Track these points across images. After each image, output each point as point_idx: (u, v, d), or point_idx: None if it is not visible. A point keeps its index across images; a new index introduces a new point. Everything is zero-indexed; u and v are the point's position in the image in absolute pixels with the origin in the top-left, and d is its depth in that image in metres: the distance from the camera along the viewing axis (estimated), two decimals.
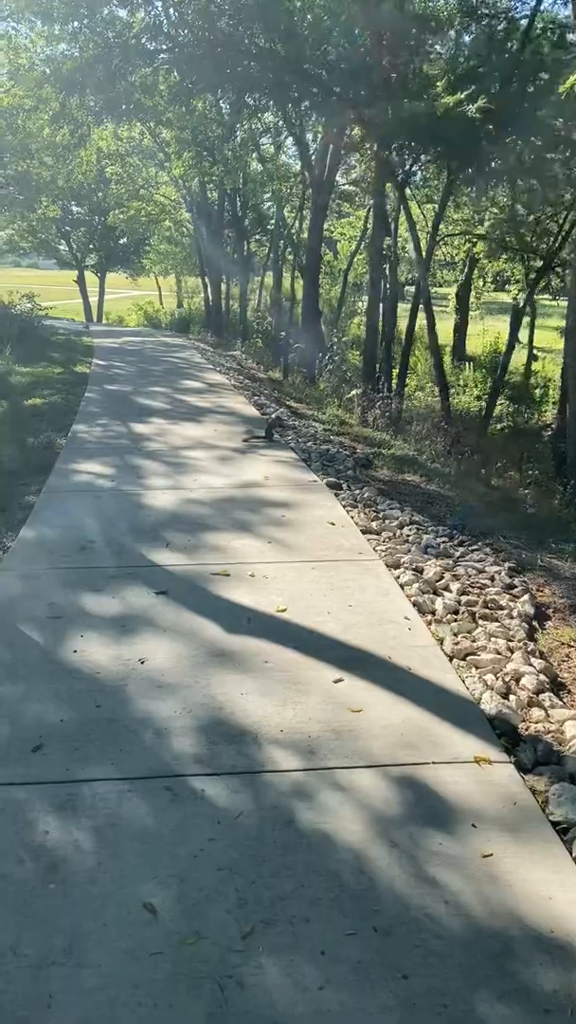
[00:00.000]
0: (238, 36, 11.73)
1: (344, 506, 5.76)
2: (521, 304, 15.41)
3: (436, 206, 14.99)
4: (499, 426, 14.88)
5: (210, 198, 24.90)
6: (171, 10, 12.22)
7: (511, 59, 10.60)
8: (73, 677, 3.30)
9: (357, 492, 6.25)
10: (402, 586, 4.30)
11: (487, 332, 32.77)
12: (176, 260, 40.65)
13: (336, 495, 6.08)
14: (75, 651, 3.51)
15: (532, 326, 23.82)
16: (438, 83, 10.04)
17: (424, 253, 14.08)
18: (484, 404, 22.47)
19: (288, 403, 12.18)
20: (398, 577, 4.42)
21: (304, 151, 17.12)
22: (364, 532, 5.19)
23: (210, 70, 11.70)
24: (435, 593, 4.27)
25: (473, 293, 32.74)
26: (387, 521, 5.47)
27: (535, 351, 24.56)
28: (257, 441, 7.99)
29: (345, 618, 3.86)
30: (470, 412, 19.17)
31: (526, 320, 24.24)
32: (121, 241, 38.49)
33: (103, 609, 3.94)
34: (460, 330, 33.20)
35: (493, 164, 11.41)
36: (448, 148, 10.80)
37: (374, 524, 5.38)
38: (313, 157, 17.20)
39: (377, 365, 14.69)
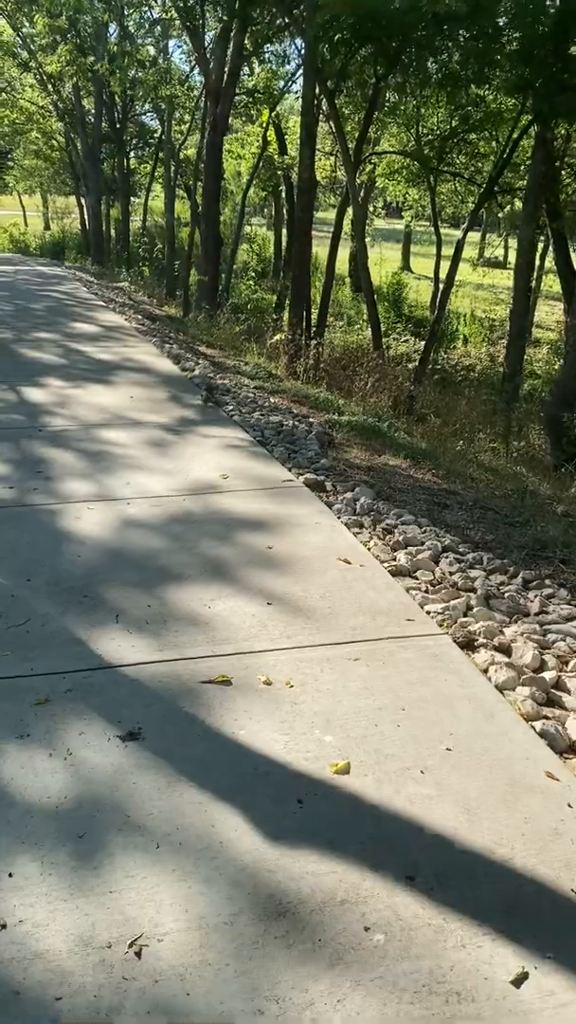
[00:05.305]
0: None
1: (346, 523, 4.19)
2: (462, 235, 13.86)
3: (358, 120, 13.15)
4: (431, 371, 13.50)
5: (86, 107, 21.90)
6: None
7: None
8: None
9: (348, 495, 4.69)
10: (500, 689, 2.81)
11: (384, 261, 31.37)
12: (44, 177, 37.04)
13: (326, 502, 4.51)
14: (3, 925, 1.85)
15: (438, 257, 22.59)
16: None
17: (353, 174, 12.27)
18: (393, 341, 21.17)
19: (200, 348, 10.46)
20: (486, 670, 2.92)
21: (201, 50, 14.70)
22: (394, 574, 3.65)
23: None
24: (551, 702, 2.81)
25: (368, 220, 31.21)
26: (413, 550, 3.94)
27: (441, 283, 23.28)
28: (192, 413, 6.28)
29: (455, 784, 2.33)
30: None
31: (428, 250, 22.89)
32: None
33: (38, 785, 2.26)
34: (356, 259, 31.72)
35: (435, 68, 9.71)
36: (394, 43, 8.98)
37: (401, 557, 3.83)
38: (211, 59, 14.83)
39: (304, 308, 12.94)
